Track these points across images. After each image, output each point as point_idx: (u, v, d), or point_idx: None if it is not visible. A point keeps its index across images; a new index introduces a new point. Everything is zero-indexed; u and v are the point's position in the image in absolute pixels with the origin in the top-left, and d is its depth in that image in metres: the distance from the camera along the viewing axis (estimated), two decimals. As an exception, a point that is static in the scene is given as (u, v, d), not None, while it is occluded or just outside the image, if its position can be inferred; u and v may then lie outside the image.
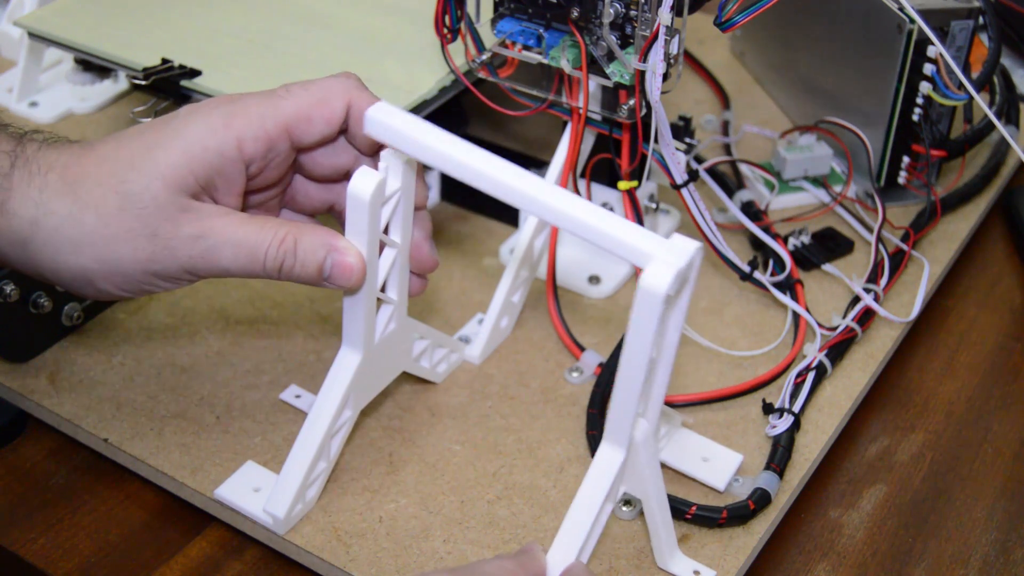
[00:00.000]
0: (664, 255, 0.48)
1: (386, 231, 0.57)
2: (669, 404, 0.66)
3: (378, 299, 0.58)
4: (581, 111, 0.66)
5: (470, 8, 0.66)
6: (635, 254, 0.49)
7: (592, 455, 0.58)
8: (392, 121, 0.54)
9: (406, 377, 0.67)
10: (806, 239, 0.76)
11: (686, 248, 0.49)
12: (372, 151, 0.58)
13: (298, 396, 0.66)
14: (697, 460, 0.62)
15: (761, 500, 0.60)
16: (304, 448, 0.58)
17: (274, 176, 0.57)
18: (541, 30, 0.65)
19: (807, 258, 0.75)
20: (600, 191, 0.73)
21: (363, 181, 0.54)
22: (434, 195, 0.81)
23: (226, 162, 0.54)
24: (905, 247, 0.75)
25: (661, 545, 0.57)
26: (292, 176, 0.60)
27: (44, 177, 0.53)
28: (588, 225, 0.50)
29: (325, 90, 0.55)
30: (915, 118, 0.76)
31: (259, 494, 0.60)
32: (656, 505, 0.55)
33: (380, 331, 0.60)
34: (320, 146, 0.58)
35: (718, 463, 0.62)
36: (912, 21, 0.72)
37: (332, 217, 0.62)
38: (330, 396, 0.59)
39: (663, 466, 0.61)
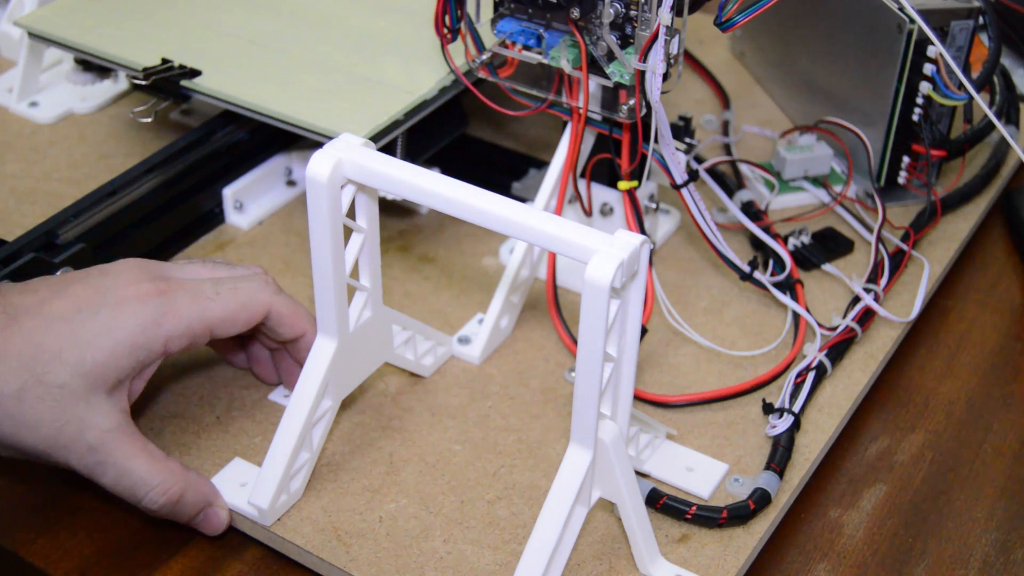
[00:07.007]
0: (607, 248, 0.49)
1: (353, 217, 0.58)
2: (670, 404, 0.66)
3: (351, 286, 0.59)
4: (581, 111, 0.66)
5: (470, 8, 0.66)
6: (581, 251, 0.50)
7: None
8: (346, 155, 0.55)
9: (406, 377, 0.67)
10: (806, 239, 0.76)
11: (629, 241, 0.50)
12: (277, 346, 0.64)
13: (286, 396, 0.66)
14: (682, 471, 0.62)
15: (761, 500, 0.60)
16: (284, 438, 0.58)
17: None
18: (541, 30, 0.65)
19: (807, 258, 0.75)
20: (600, 191, 0.73)
21: (320, 163, 0.54)
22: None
23: (151, 356, 0.57)
24: (905, 247, 0.75)
25: (640, 550, 0.56)
26: None
27: None
28: (534, 229, 0.51)
29: (250, 295, 0.59)
30: (915, 118, 0.76)
31: (245, 488, 0.60)
32: (632, 510, 0.55)
33: (355, 318, 0.60)
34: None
35: (703, 473, 0.62)
36: (912, 21, 0.72)
37: None
38: (307, 384, 0.59)
39: (648, 478, 0.61)
